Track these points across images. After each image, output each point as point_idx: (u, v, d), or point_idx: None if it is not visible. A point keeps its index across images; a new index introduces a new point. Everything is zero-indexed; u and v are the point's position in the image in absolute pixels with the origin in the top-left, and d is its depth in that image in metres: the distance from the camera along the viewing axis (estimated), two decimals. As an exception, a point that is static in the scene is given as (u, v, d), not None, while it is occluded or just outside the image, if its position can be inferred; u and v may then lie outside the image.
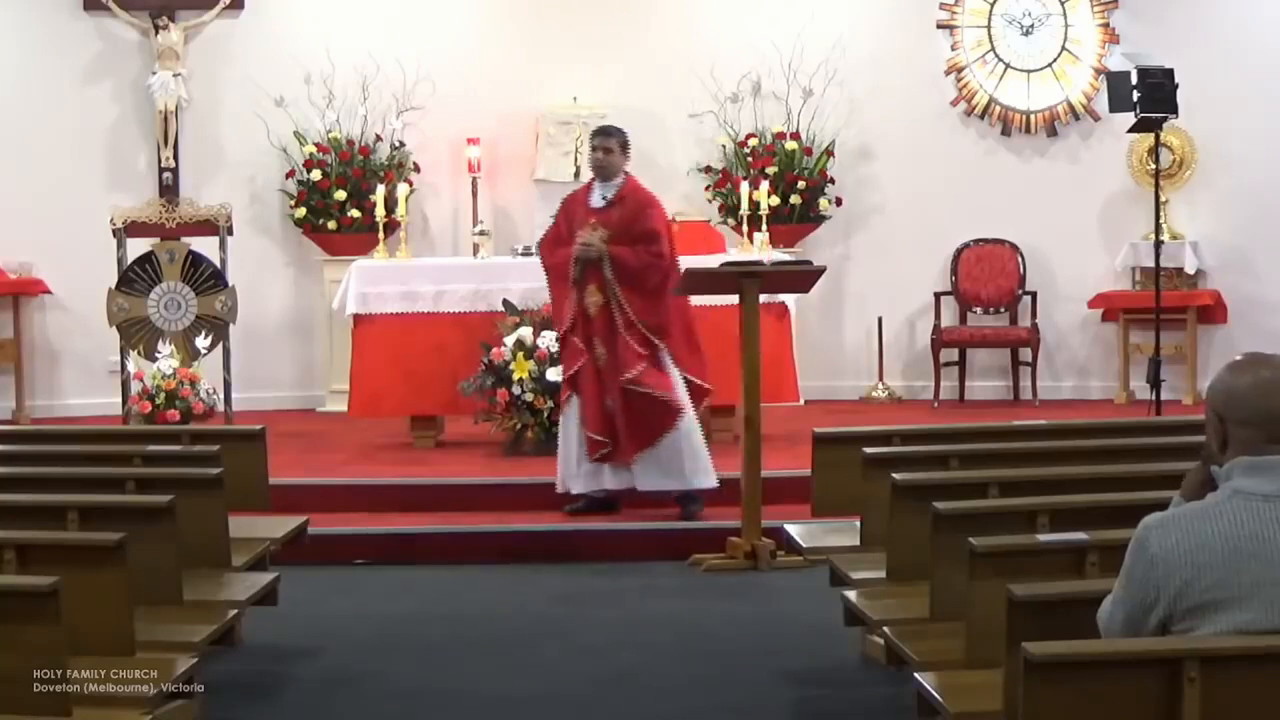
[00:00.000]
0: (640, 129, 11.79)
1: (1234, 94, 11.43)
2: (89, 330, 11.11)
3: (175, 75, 11.49)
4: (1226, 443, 3.49)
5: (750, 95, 11.87)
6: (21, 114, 11.46)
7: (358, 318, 10.13)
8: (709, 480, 8.38)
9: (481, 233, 10.83)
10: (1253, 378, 3.47)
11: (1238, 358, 3.58)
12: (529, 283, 9.64)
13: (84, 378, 11.51)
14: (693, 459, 8.35)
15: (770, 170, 11.67)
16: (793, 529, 6.72)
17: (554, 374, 9.51)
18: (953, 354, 11.84)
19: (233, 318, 10.27)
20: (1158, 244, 10.37)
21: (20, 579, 4.50)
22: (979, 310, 11.93)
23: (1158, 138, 10.40)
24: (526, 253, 10.25)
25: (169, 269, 10.24)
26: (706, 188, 11.89)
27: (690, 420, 8.36)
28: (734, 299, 8.26)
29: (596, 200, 8.56)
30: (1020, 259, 11.85)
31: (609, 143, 8.58)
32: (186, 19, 11.60)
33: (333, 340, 11.35)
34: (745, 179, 11.35)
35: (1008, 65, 11.97)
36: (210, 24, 11.69)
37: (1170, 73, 9.94)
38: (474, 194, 11.58)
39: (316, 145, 11.68)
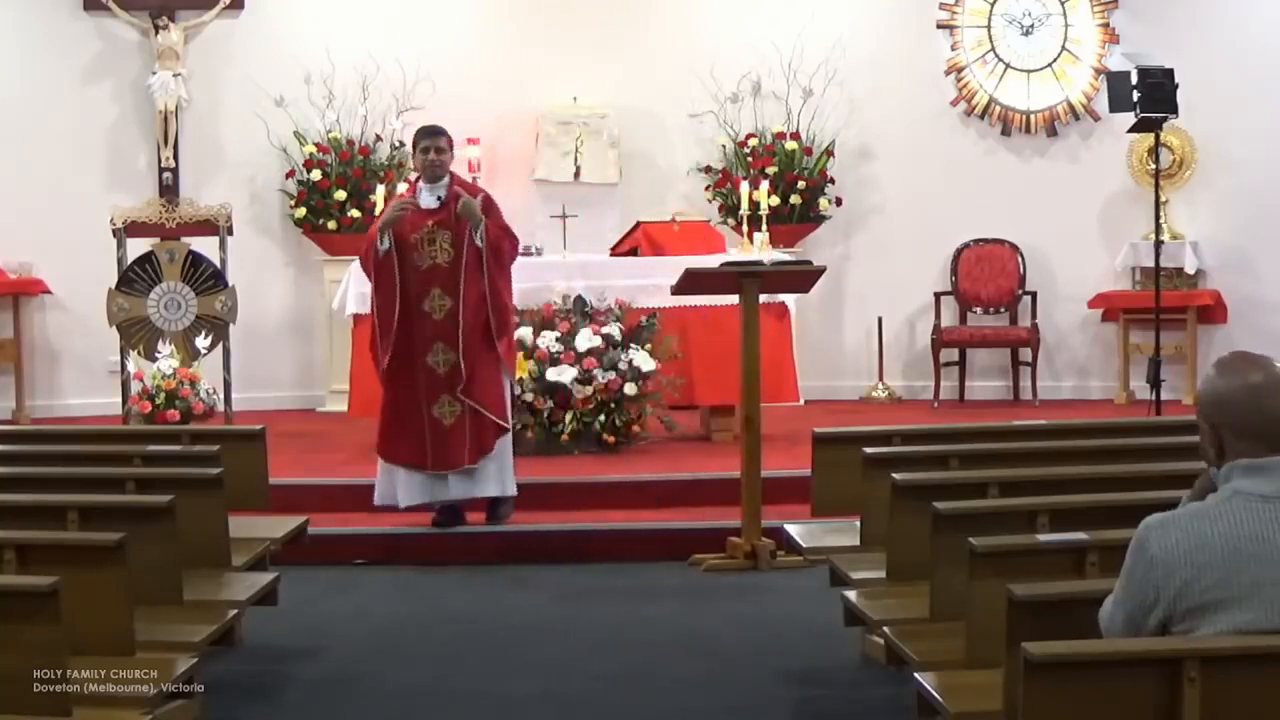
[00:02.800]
0: (640, 129, 11.92)
1: (1234, 94, 11.43)
2: (89, 330, 11.11)
3: (175, 75, 11.49)
4: (1223, 450, 3.46)
5: (750, 95, 11.88)
6: (21, 114, 11.45)
7: (358, 318, 10.11)
8: (512, 488, 8.34)
9: (481, 233, 10.83)
10: (1242, 382, 3.43)
11: (1224, 356, 3.52)
12: (528, 283, 9.62)
13: (84, 378, 11.51)
14: (505, 467, 8.31)
15: (770, 170, 11.67)
16: (793, 529, 6.72)
17: (554, 374, 9.52)
18: (953, 354, 11.84)
19: (233, 318, 10.27)
20: (1158, 244, 10.38)
21: (20, 579, 4.50)
22: (979, 310, 11.93)
23: (1158, 138, 10.40)
24: (525, 253, 10.23)
25: (169, 269, 10.24)
26: (706, 188, 11.89)
27: (509, 435, 8.35)
28: (734, 299, 8.26)
29: (428, 201, 8.25)
30: (1020, 259, 11.85)
31: (440, 142, 8.29)
32: (186, 19, 11.60)
33: (333, 340, 11.35)
34: (745, 179, 11.34)
35: (1008, 65, 11.97)
36: (210, 24, 11.69)
37: (1170, 73, 9.94)
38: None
39: (316, 145, 11.68)
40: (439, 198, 8.26)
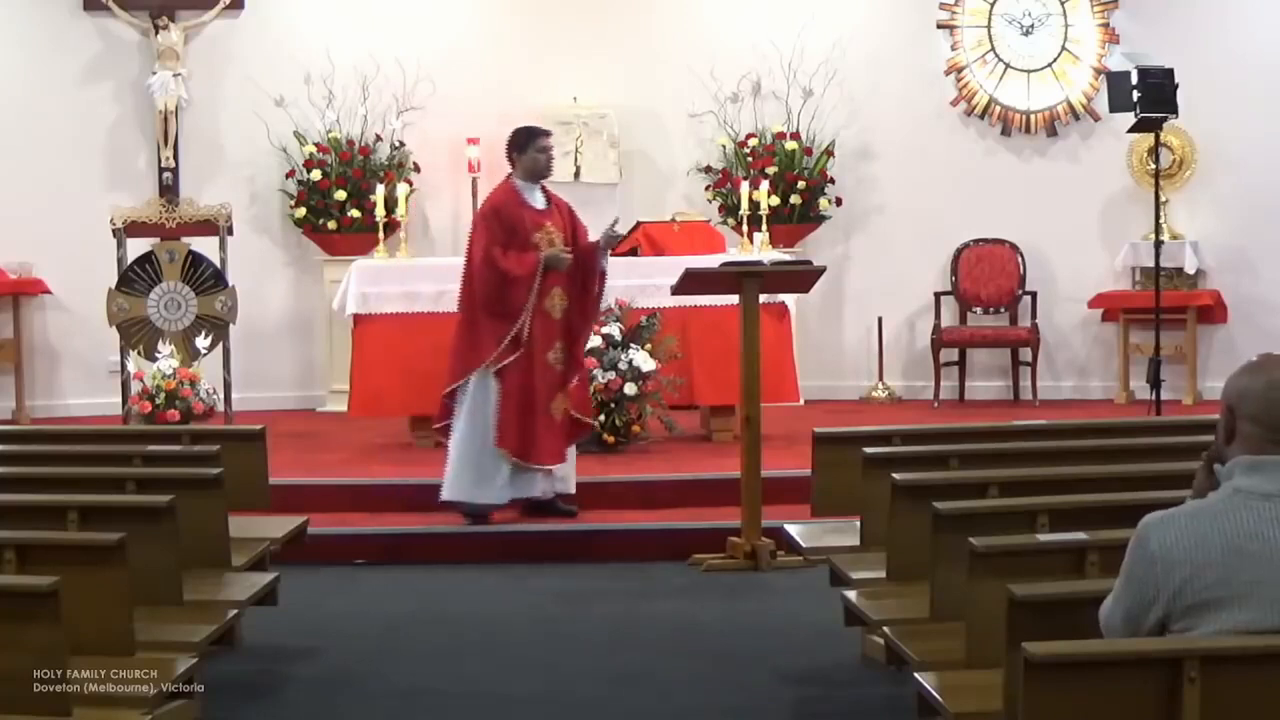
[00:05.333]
0: (640, 129, 11.93)
1: (1234, 94, 11.43)
2: (89, 330, 11.11)
3: (175, 75, 11.49)
4: (1233, 435, 3.49)
5: (750, 95, 11.88)
6: (21, 114, 11.46)
7: (358, 318, 10.14)
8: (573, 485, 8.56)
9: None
10: (1267, 379, 3.47)
11: (1263, 354, 3.57)
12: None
13: (84, 378, 11.51)
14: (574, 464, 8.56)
15: (770, 170, 11.67)
16: (793, 529, 6.72)
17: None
18: (953, 354, 11.84)
19: (233, 318, 10.27)
20: (1158, 244, 10.38)
21: (20, 579, 4.50)
22: (979, 310, 11.94)
23: (1158, 138, 10.41)
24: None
25: (169, 269, 10.23)
26: (706, 188, 11.89)
27: None
28: (734, 299, 8.26)
29: (538, 203, 8.39)
30: (1020, 259, 11.85)
31: (553, 141, 8.51)
32: (186, 19, 11.61)
33: (333, 340, 11.35)
34: (745, 179, 11.35)
35: (1008, 65, 11.97)
36: (210, 24, 11.70)
37: (1170, 73, 9.94)
38: (474, 194, 11.56)
39: (316, 145, 11.68)
40: (546, 200, 8.40)
